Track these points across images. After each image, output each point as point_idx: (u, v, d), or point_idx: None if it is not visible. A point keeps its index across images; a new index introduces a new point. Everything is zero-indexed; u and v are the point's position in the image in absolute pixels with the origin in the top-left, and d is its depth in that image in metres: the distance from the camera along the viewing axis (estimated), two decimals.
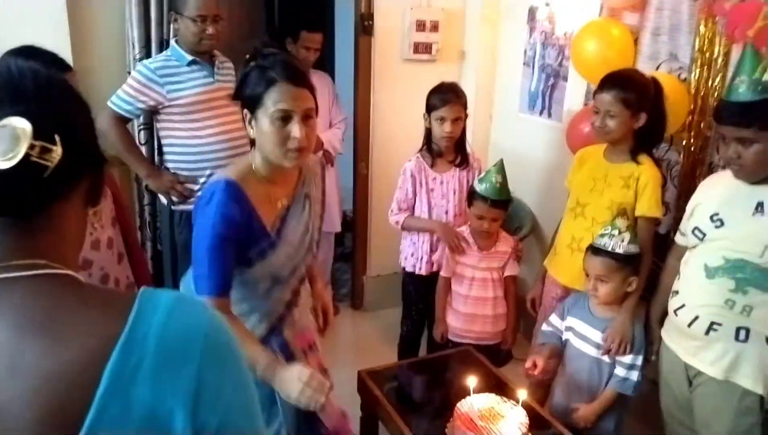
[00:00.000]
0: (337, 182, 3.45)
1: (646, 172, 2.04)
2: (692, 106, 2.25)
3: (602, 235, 1.95)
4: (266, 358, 1.38)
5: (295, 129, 1.41)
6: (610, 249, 1.90)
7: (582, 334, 2.04)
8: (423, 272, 2.59)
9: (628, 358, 1.91)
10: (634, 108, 1.99)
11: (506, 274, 2.43)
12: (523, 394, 1.83)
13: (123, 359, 0.60)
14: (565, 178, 2.34)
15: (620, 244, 1.90)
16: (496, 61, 3.45)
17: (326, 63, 3.90)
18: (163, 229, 2.82)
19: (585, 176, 2.20)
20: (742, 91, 1.54)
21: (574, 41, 2.58)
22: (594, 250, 1.95)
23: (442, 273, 2.47)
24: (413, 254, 2.62)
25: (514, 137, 3.30)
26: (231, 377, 0.67)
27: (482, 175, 2.35)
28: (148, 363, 0.61)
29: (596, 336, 2.00)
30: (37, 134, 0.62)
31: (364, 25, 3.25)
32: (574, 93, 2.88)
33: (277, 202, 1.54)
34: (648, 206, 2.03)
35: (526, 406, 1.81)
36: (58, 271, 0.67)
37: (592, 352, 2.00)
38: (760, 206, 1.61)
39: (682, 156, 2.34)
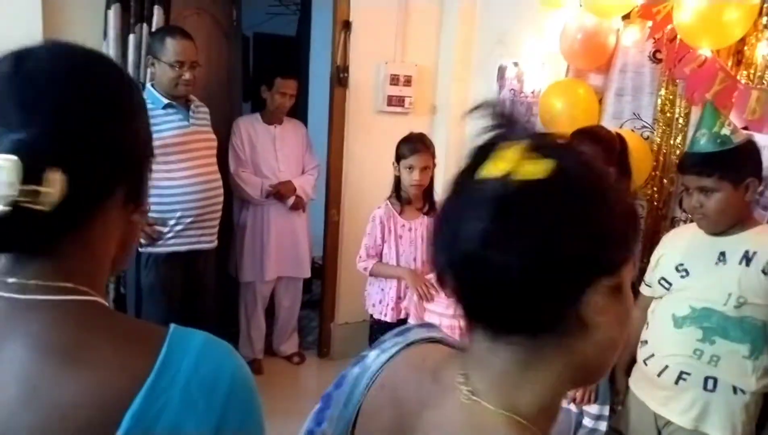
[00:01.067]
0: (308, 228, 3.44)
1: None
2: (655, 163, 2.35)
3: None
4: None
5: None
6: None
7: None
8: (389, 319, 2.58)
9: (594, 408, 1.92)
10: (601, 163, 2.05)
11: None
12: None
13: (148, 403, 0.56)
14: None
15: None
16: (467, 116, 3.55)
17: (299, 111, 3.96)
18: (128, 271, 2.76)
19: None
20: (703, 143, 1.63)
21: (541, 99, 2.69)
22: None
23: (410, 320, 2.46)
24: (381, 301, 2.62)
25: None
26: (251, 424, 0.63)
27: None
28: (173, 407, 0.57)
29: None
30: (26, 176, 0.53)
31: (340, 77, 3.33)
32: None
33: None
34: None
35: None
36: (86, 298, 0.61)
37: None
38: (722, 256, 1.68)
39: (645, 210, 2.43)
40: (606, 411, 1.93)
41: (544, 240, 0.56)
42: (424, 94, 3.54)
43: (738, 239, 1.66)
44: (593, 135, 2.07)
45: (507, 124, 0.65)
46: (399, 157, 2.52)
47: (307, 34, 4.53)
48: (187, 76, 2.46)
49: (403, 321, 2.54)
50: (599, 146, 2.04)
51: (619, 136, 2.16)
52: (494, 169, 0.60)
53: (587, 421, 1.94)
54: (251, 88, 3.73)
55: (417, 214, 2.60)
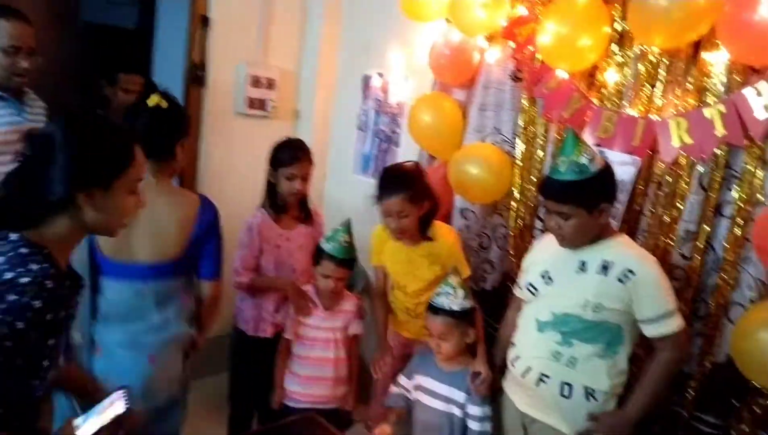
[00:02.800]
0: None
1: (443, 244, 2.26)
2: (520, 177, 2.49)
3: (438, 295, 2.01)
4: None
5: None
6: (447, 308, 1.98)
7: (431, 390, 2.07)
8: (268, 335, 2.45)
9: (478, 410, 1.97)
10: (419, 201, 2.17)
11: (351, 332, 2.39)
12: None
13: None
14: (372, 258, 2.44)
15: (456, 301, 1.98)
16: (330, 122, 3.52)
17: None
18: None
19: (392, 260, 2.35)
20: (562, 171, 1.73)
21: (411, 111, 2.74)
22: (433, 309, 2.01)
23: (286, 335, 2.35)
24: (256, 316, 2.46)
25: (349, 196, 3.36)
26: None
27: (329, 234, 2.31)
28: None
29: (445, 390, 2.04)
30: None
31: (196, 75, 3.10)
32: (407, 158, 3.00)
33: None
34: (462, 266, 2.28)
35: None
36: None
37: (442, 406, 2.04)
38: (582, 265, 1.81)
39: (511, 220, 2.56)
40: (488, 411, 1.99)
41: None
42: (287, 99, 3.43)
43: (597, 250, 1.80)
44: (406, 180, 2.17)
45: None
46: (277, 164, 2.38)
47: (151, 26, 4.17)
48: (23, 64, 2.12)
49: (279, 336, 2.41)
50: (414, 189, 2.15)
51: (416, 164, 2.32)
52: None
53: (473, 425, 1.98)
54: (89, 82, 3.34)
55: (295, 223, 2.49)
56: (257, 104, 3.28)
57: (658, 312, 1.72)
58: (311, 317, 2.32)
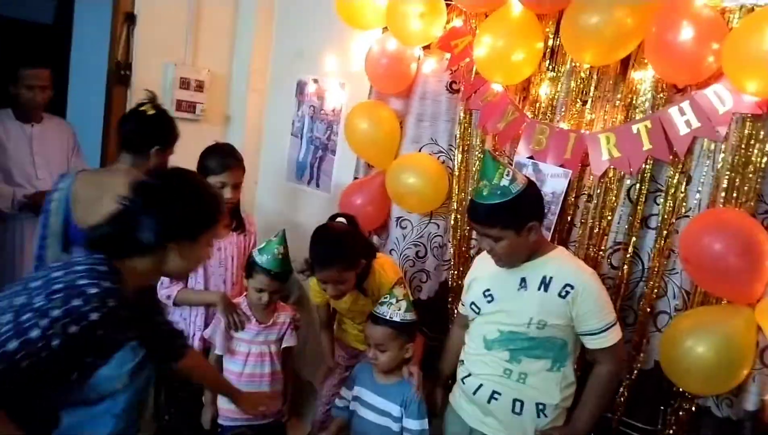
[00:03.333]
0: None
1: (384, 285, 2.16)
2: (456, 188, 2.50)
3: (381, 304, 1.99)
4: None
5: None
6: (388, 317, 1.96)
7: (367, 401, 2.04)
8: (197, 348, 2.33)
9: (416, 424, 1.95)
10: (354, 266, 2.09)
11: (284, 345, 2.32)
12: None
13: None
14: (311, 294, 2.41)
15: (397, 312, 1.96)
16: (263, 128, 3.43)
17: (61, 109, 3.37)
18: None
19: (336, 302, 2.30)
20: (486, 194, 1.73)
21: (347, 118, 2.70)
22: (374, 318, 1.99)
23: (217, 351, 2.24)
24: (183, 331, 2.34)
25: (281, 203, 3.28)
26: None
27: (262, 245, 2.23)
28: None
29: (381, 403, 2.01)
30: None
31: (120, 75, 2.94)
32: (343, 166, 3.00)
33: None
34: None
35: None
36: None
37: (378, 419, 2.01)
38: (523, 281, 1.83)
39: (448, 231, 2.57)
40: (426, 425, 1.97)
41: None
42: (217, 102, 3.32)
43: (535, 266, 1.82)
44: (335, 252, 2.07)
45: None
46: (205, 173, 2.25)
47: (69, 22, 3.93)
48: None
49: (207, 352, 2.31)
50: (346, 258, 2.08)
51: (348, 217, 2.25)
52: None
53: None
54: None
55: (226, 232, 2.38)
56: (186, 107, 3.15)
57: (599, 325, 1.76)
58: (244, 332, 2.23)
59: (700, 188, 1.93)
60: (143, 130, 2.13)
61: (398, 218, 2.72)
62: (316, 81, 3.12)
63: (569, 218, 2.22)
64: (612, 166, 2.08)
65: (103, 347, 1.29)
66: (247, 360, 2.24)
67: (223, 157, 2.28)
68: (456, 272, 2.54)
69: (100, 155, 3.03)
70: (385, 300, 1.99)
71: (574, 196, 2.20)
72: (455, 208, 2.53)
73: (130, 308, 1.31)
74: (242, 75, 3.34)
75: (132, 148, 2.13)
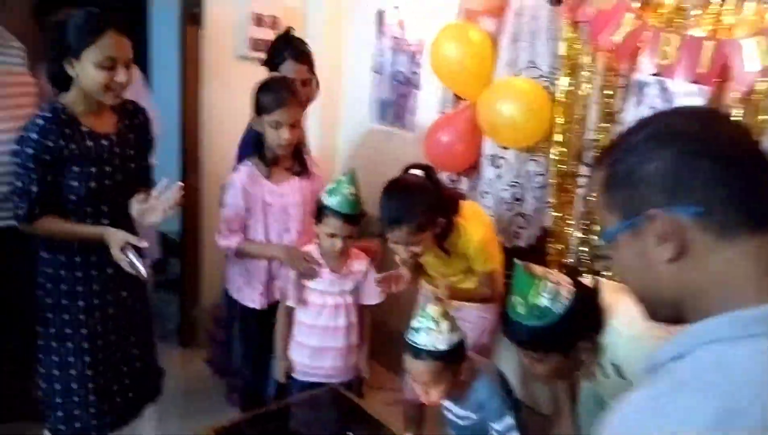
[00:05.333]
0: None
1: (468, 243, 1.94)
2: (562, 117, 2.16)
3: (416, 330, 1.59)
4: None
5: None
6: (432, 348, 1.57)
7: (445, 406, 1.79)
8: (258, 306, 2.18)
9: (499, 425, 1.67)
10: (428, 226, 1.85)
11: (367, 302, 2.13)
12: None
13: None
14: None
15: (440, 337, 1.57)
16: (342, 66, 3.19)
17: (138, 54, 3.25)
18: None
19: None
20: (521, 313, 1.41)
21: (432, 45, 2.40)
22: (414, 351, 1.59)
23: (289, 302, 2.07)
24: (247, 284, 2.19)
25: (365, 148, 3.06)
26: None
27: (332, 186, 2.01)
28: None
29: (458, 410, 1.76)
30: None
31: (192, 13, 2.79)
32: (428, 102, 2.72)
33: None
34: (482, 265, 1.98)
35: None
36: None
37: (462, 421, 1.76)
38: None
39: (551, 166, 2.25)
40: (509, 420, 1.68)
41: None
42: None
43: None
44: (409, 207, 1.83)
45: None
46: (260, 110, 2.05)
47: None
48: None
49: (275, 306, 2.16)
50: (420, 215, 1.82)
51: (425, 168, 1.95)
52: None
53: None
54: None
55: (287, 176, 2.17)
56: (261, 45, 2.96)
57: None
58: (317, 281, 2.05)
59: None
60: None
61: (492, 156, 2.42)
62: (397, 7, 2.83)
63: None
64: (762, 78, 1.67)
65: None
66: (321, 312, 2.06)
67: (276, 93, 2.03)
68: (560, 215, 2.23)
69: (178, 103, 2.91)
70: (421, 326, 1.59)
71: None
72: (559, 140, 2.19)
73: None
74: (318, 7, 3.10)
75: None
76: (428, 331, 1.57)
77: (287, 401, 2.00)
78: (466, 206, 2.05)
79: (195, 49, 2.84)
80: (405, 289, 2.06)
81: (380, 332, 3.00)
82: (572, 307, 1.38)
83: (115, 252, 1.65)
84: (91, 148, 1.71)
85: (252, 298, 2.19)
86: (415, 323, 1.60)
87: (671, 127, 0.74)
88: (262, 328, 2.21)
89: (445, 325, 1.58)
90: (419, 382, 1.62)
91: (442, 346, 1.56)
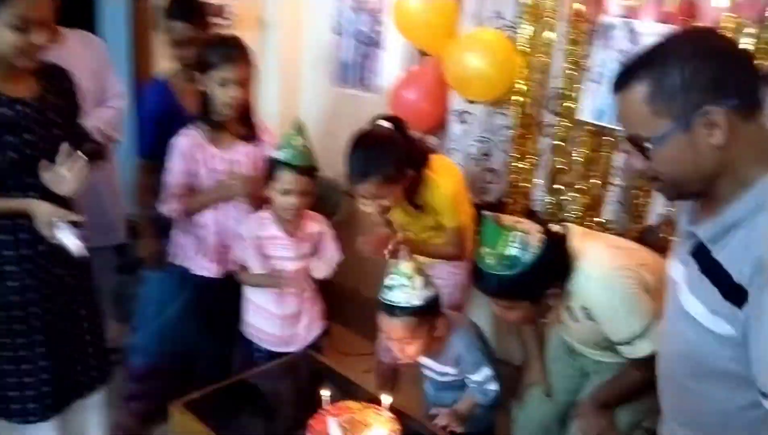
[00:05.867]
0: (114, 182, 2.55)
1: (438, 197, 1.90)
2: (526, 66, 2.15)
3: (389, 288, 1.55)
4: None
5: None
6: (405, 304, 1.54)
7: (424, 365, 1.77)
8: (212, 274, 2.08)
9: (477, 376, 1.65)
10: (396, 178, 1.80)
11: (325, 264, 2.04)
12: (387, 398, 1.51)
13: None
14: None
15: (415, 293, 1.54)
16: (301, 29, 3.10)
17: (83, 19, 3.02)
18: None
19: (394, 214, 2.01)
20: (490, 263, 1.41)
21: (396, 2, 2.34)
22: (388, 309, 1.55)
23: (255, 269, 1.96)
24: (198, 253, 2.08)
25: (328, 112, 2.99)
26: None
27: (281, 142, 1.92)
28: None
29: (437, 366, 1.73)
30: None
31: None
32: (392, 62, 2.68)
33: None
34: (449, 220, 1.95)
35: (393, 411, 1.50)
36: None
37: (443, 378, 1.75)
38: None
39: (512, 118, 2.24)
40: (488, 371, 1.65)
41: None
42: (249, 6, 3.00)
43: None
44: (376, 158, 1.78)
45: None
46: (206, 67, 1.92)
47: None
48: None
49: (230, 276, 2.05)
50: (389, 166, 1.77)
51: (393, 120, 1.90)
52: None
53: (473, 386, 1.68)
54: None
55: (234, 141, 2.04)
56: (215, 11, 2.84)
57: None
58: (281, 248, 1.96)
59: None
60: None
61: (459, 112, 2.39)
62: None
63: None
64: (728, 13, 1.68)
65: None
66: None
67: (224, 49, 1.92)
68: (519, 166, 2.24)
69: (129, 74, 2.78)
70: (394, 283, 1.55)
71: None
72: (523, 90, 2.17)
73: None
74: None
75: None
76: (402, 287, 1.54)
77: (258, 369, 1.93)
78: (436, 160, 2.00)
79: (145, 17, 2.71)
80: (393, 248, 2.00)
81: (352, 299, 2.98)
82: (542, 255, 1.39)
83: (42, 228, 1.53)
84: (7, 115, 1.55)
85: (205, 266, 2.08)
86: (388, 281, 1.56)
87: (696, 40, 0.97)
88: (217, 300, 2.11)
89: (418, 280, 1.55)
90: (395, 340, 1.59)
91: (416, 301, 1.53)
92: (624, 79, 0.97)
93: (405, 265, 1.56)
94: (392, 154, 1.79)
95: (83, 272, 1.82)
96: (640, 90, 0.94)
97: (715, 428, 1.03)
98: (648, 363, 1.40)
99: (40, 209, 1.53)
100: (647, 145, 0.95)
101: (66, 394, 1.79)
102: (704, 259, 0.96)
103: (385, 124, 1.89)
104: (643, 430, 1.86)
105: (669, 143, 0.94)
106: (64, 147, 1.56)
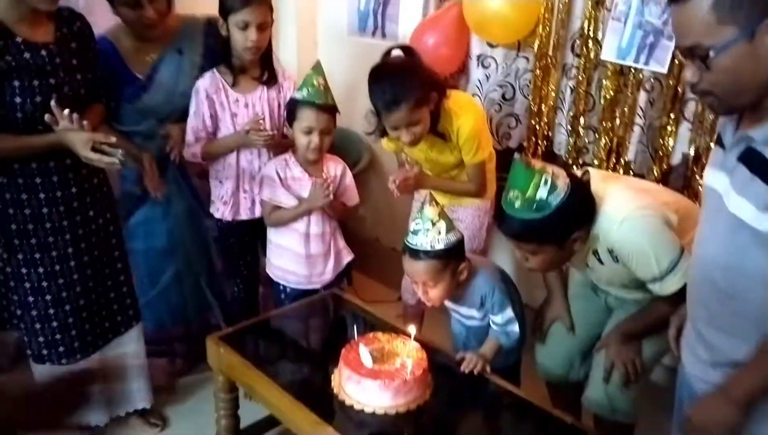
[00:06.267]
0: None
1: (461, 129, 1.92)
2: (544, 7, 2.12)
3: (414, 233, 1.58)
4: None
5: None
6: (430, 247, 1.56)
7: (450, 308, 1.79)
8: (220, 216, 2.14)
9: (498, 318, 1.67)
10: (425, 101, 1.83)
11: (348, 203, 2.09)
12: (412, 329, 1.55)
13: None
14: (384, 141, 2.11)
15: (438, 237, 1.57)
16: None
17: None
18: None
19: (410, 148, 2.00)
20: (518, 208, 1.41)
21: None
22: (412, 252, 1.58)
23: (279, 201, 2.00)
24: (223, 198, 2.12)
25: (345, 62, 2.97)
26: None
27: (300, 83, 1.96)
28: None
29: (462, 310, 1.76)
30: None
31: None
32: (410, 7, 2.64)
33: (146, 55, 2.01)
34: (471, 155, 1.98)
35: (419, 341, 1.54)
36: None
37: (469, 322, 1.77)
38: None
39: (533, 61, 2.23)
40: (510, 313, 1.67)
41: None
42: None
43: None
44: (403, 86, 1.80)
45: None
46: (226, 12, 1.93)
47: None
48: None
49: (251, 222, 2.12)
50: (417, 90, 1.79)
51: (409, 50, 1.92)
52: None
53: (496, 327, 1.69)
54: None
55: (254, 85, 2.07)
56: None
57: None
58: (301, 188, 1.99)
59: None
60: None
61: (479, 56, 2.38)
62: None
63: None
64: None
65: None
66: (310, 219, 2.01)
67: None
68: (538, 110, 2.24)
69: None
70: (418, 227, 1.58)
71: None
72: (543, 31, 2.16)
73: None
74: None
75: None
76: (426, 232, 1.56)
77: (287, 308, 1.99)
78: (457, 95, 2.02)
79: None
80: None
81: (373, 248, 3.03)
82: (568, 198, 1.39)
83: (84, 152, 1.55)
84: (30, 60, 1.57)
85: (217, 208, 2.13)
86: (412, 226, 1.59)
87: None
88: (248, 241, 2.20)
89: (442, 224, 1.57)
90: (419, 283, 1.62)
91: (440, 245, 1.55)
92: None
93: (429, 210, 1.58)
94: (416, 77, 1.83)
95: (113, 214, 1.88)
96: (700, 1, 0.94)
97: (751, 332, 1.06)
98: (674, 297, 1.44)
99: (78, 136, 1.55)
100: (711, 53, 0.96)
101: (107, 329, 1.87)
102: (755, 161, 0.99)
103: (398, 53, 1.92)
104: (664, 367, 1.90)
105: (732, 52, 0.95)
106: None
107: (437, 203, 1.61)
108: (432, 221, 1.57)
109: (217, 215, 2.15)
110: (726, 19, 0.94)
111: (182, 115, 2.06)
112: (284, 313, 1.97)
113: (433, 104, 1.86)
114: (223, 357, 1.67)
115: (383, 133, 2.00)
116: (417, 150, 2.01)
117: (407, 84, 1.79)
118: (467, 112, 1.94)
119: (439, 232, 1.57)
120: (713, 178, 1.11)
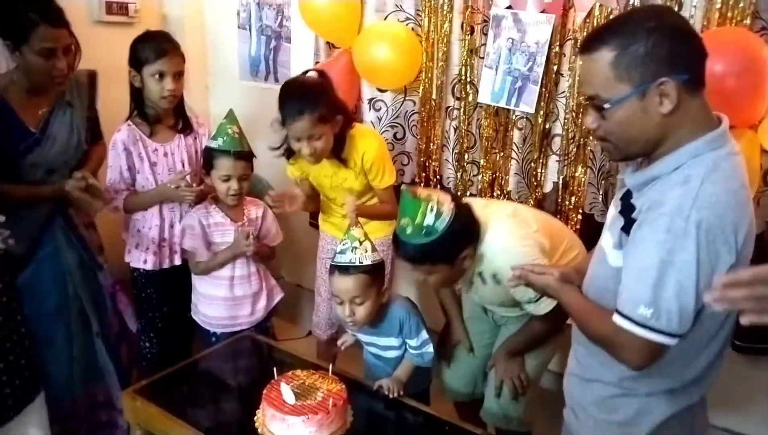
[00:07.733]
0: None
1: (366, 155, 2.04)
2: (426, 54, 2.34)
3: (342, 252, 1.68)
4: None
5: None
6: (359, 263, 1.66)
7: (367, 341, 1.88)
8: (149, 267, 2.14)
9: (414, 341, 1.78)
10: (329, 119, 1.93)
11: (270, 243, 2.18)
12: (329, 366, 1.66)
13: None
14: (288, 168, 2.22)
15: (366, 254, 1.68)
16: (206, 25, 3.12)
17: None
18: None
19: (316, 173, 2.14)
20: (410, 234, 1.56)
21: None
22: (341, 269, 1.66)
23: (200, 258, 2.07)
24: (137, 247, 2.14)
25: (238, 106, 3.01)
26: None
27: (214, 132, 2.03)
28: None
29: (381, 341, 1.84)
30: None
31: None
32: (301, 53, 2.77)
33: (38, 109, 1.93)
34: (379, 179, 2.10)
35: (336, 374, 1.64)
36: None
37: (386, 353, 1.86)
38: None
39: (419, 104, 2.43)
40: (425, 335, 1.78)
41: None
42: (152, 2, 2.98)
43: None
44: (309, 98, 1.91)
45: None
46: (140, 63, 1.99)
47: None
48: None
49: (173, 269, 2.14)
50: (322, 106, 1.91)
51: (320, 73, 2.06)
52: None
53: (411, 350, 1.81)
54: None
55: (171, 134, 2.13)
56: (117, 9, 2.81)
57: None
58: (224, 234, 2.06)
59: (693, 12, 1.82)
60: None
61: (370, 100, 2.55)
62: None
63: (555, 68, 2.10)
64: (598, 3, 1.94)
65: None
66: (234, 263, 2.08)
67: (156, 43, 1.99)
68: (425, 149, 2.47)
69: None
70: (345, 247, 1.68)
71: (558, 44, 2.07)
72: (425, 77, 2.37)
73: None
74: None
75: None
76: (354, 249, 1.67)
77: (206, 353, 2.01)
78: (364, 128, 2.19)
79: None
80: (297, 210, 2.14)
81: (279, 285, 3.07)
82: (453, 221, 1.55)
83: None
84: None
85: (142, 259, 2.13)
86: (340, 246, 1.70)
87: (659, 16, 1.07)
88: (157, 291, 2.19)
89: (368, 244, 1.70)
90: (347, 302, 1.68)
91: (367, 261, 1.67)
92: (593, 43, 1.08)
93: (356, 231, 1.71)
94: (324, 96, 1.93)
95: (11, 281, 1.79)
96: (607, 55, 1.06)
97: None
98: (549, 315, 1.65)
99: None
100: (607, 105, 1.08)
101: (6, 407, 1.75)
102: (625, 202, 1.16)
103: (314, 74, 2.04)
104: (552, 374, 2.13)
105: (625, 107, 1.07)
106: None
107: (362, 226, 1.74)
108: (359, 240, 1.69)
109: (136, 265, 2.13)
110: (622, 77, 1.06)
111: (76, 167, 2.03)
112: (200, 359, 1.98)
113: (338, 127, 1.97)
114: (140, 410, 1.66)
115: (289, 154, 2.08)
116: (322, 176, 2.12)
117: (314, 98, 1.90)
118: (372, 139, 2.09)
119: (366, 250, 1.69)
120: (609, 213, 1.30)
